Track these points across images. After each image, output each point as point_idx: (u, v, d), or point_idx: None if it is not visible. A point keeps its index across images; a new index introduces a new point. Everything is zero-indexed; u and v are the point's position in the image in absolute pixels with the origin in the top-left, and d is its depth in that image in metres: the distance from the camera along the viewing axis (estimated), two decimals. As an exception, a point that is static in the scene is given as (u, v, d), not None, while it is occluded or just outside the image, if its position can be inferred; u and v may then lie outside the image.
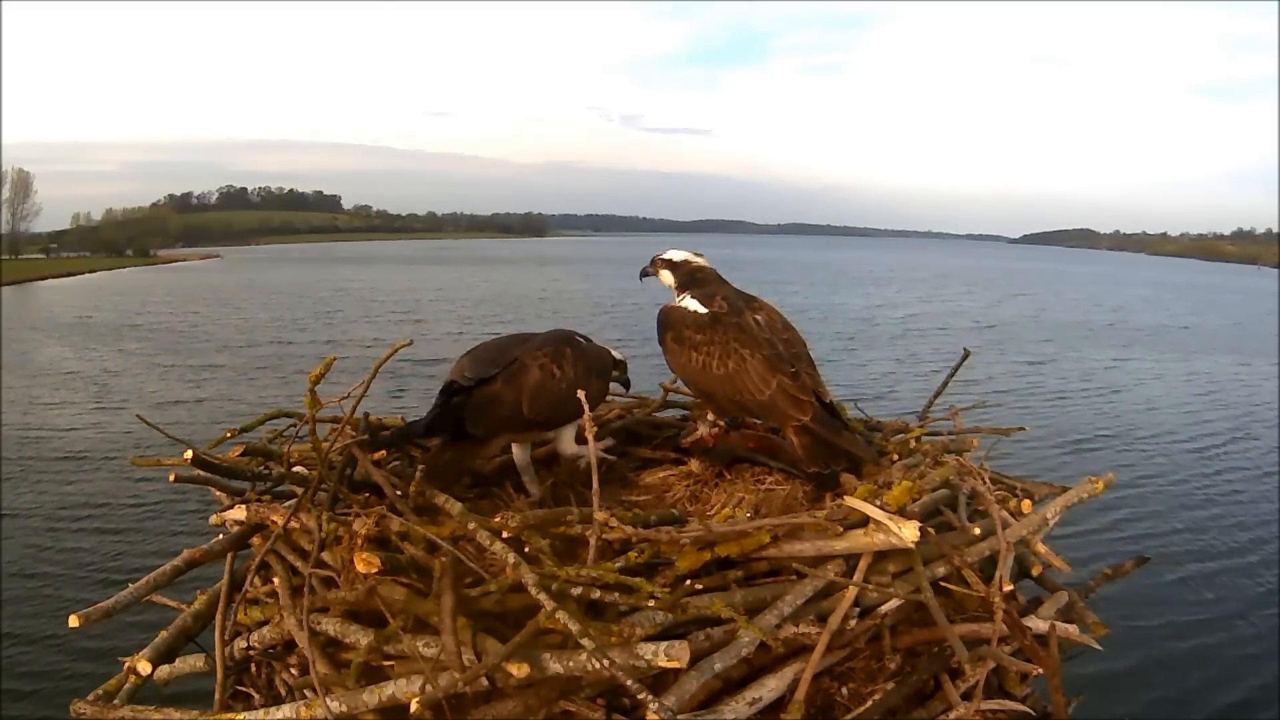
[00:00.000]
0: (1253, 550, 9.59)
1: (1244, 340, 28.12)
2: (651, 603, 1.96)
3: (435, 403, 2.67)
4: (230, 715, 2.16)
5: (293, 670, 2.40)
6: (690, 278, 3.09)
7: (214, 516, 2.57)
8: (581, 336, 2.94)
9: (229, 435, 2.71)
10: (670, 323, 2.99)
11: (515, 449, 2.85)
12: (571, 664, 1.93)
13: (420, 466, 2.37)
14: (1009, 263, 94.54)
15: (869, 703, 2.24)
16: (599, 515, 2.14)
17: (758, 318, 2.90)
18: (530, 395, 2.63)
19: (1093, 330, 29.90)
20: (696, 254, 3.18)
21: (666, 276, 3.17)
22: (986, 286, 50.41)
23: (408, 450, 2.93)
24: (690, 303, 2.99)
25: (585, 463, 2.69)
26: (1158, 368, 22.15)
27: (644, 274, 3.26)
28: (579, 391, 2.38)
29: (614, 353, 3.04)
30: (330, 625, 2.19)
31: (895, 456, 2.93)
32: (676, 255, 3.18)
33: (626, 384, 3.18)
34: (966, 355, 3.67)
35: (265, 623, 2.44)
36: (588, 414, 2.32)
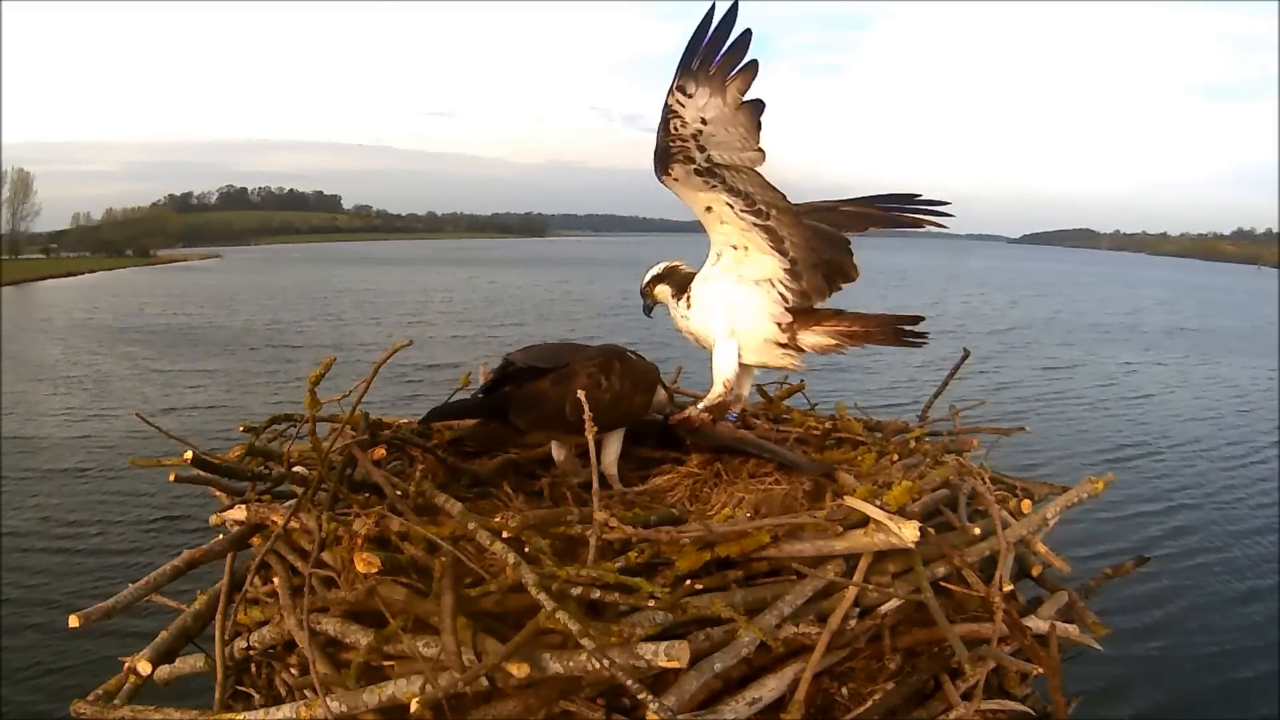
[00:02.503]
0: (1258, 550, 9.62)
1: (1263, 341, 27.80)
2: (651, 603, 1.96)
3: (490, 382, 2.79)
4: (230, 715, 2.16)
5: (293, 670, 2.40)
6: (684, 278, 3.15)
7: (214, 516, 2.57)
8: (632, 352, 3.00)
9: (249, 443, 2.69)
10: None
11: (555, 449, 2.93)
12: (571, 664, 1.93)
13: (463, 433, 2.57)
14: (1016, 263, 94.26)
15: (869, 703, 2.24)
16: (599, 515, 2.14)
17: None
18: (574, 399, 2.67)
19: (1110, 332, 29.69)
20: (676, 260, 3.24)
21: (663, 290, 3.21)
22: (997, 288, 50.14)
23: (407, 450, 2.94)
24: None
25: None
26: (1178, 370, 21.93)
27: (648, 309, 3.30)
28: (581, 394, 2.40)
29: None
30: (330, 625, 2.19)
31: (895, 456, 2.93)
32: (658, 269, 3.24)
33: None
34: (966, 355, 3.68)
35: (265, 623, 2.44)
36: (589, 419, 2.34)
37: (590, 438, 2.33)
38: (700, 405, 3.06)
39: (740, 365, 3.12)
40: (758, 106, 2.56)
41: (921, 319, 3.00)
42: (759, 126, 2.61)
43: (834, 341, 3.04)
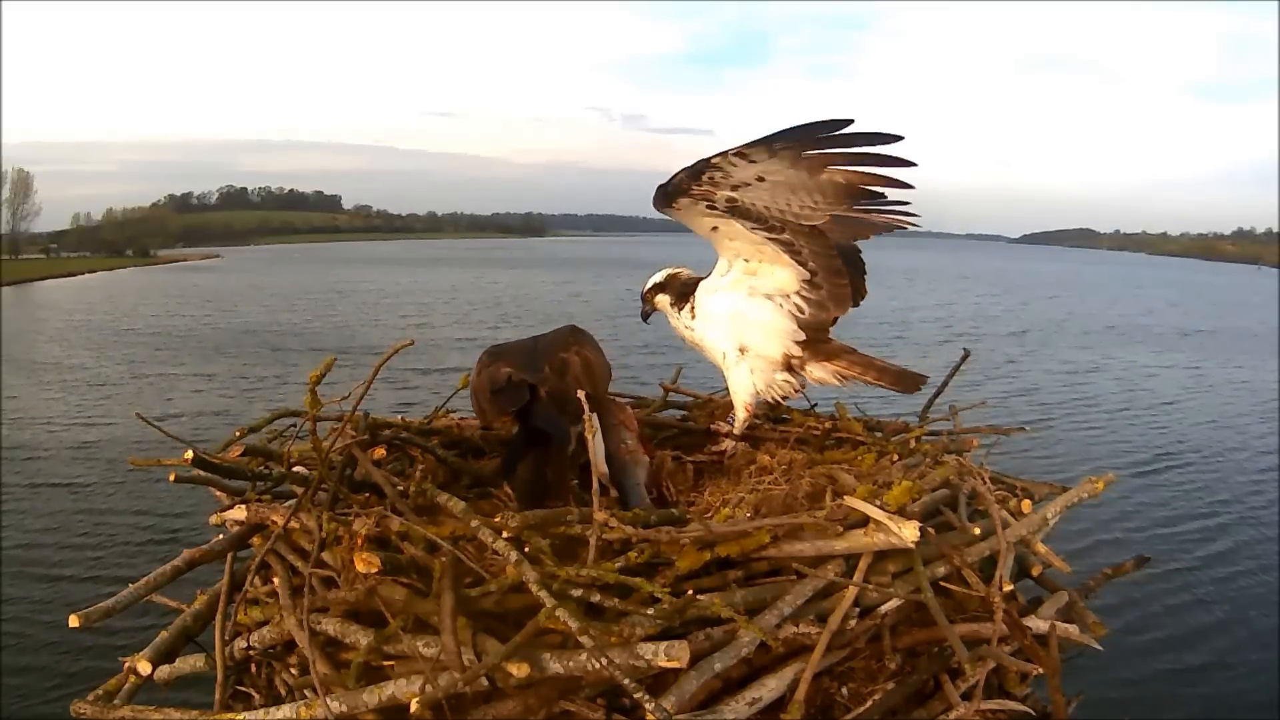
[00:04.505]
0: (1258, 549, 9.63)
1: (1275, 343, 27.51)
2: (652, 611, 1.96)
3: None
4: (230, 715, 2.16)
5: (293, 670, 2.40)
6: (685, 284, 3.15)
7: (214, 516, 2.56)
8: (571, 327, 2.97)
9: (239, 434, 2.70)
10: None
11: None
12: (571, 664, 1.93)
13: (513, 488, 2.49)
14: (1021, 263, 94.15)
15: (869, 703, 2.23)
16: (599, 515, 2.14)
17: None
18: (588, 381, 2.68)
19: (1125, 334, 29.52)
20: (677, 267, 3.23)
21: (663, 300, 3.20)
22: (1006, 288, 50.00)
23: (407, 450, 2.94)
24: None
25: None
26: (1196, 373, 21.79)
27: (646, 315, 3.28)
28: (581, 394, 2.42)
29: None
30: (330, 625, 2.19)
31: (895, 456, 2.93)
32: (659, 276, 3.21)
33: None
34: (966, 355, 3.66)
35: (265, 623, 2.43)
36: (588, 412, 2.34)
37: (590, 436, 2.35)
38: (736, 431, 3.09)
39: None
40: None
41: (926, 379, 3.04)
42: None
43: (836, 381, 3.04)
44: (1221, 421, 16.11)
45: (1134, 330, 30.71)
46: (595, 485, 2.21)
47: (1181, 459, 13.19)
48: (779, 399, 3.12)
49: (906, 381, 3.00)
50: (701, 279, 3.12)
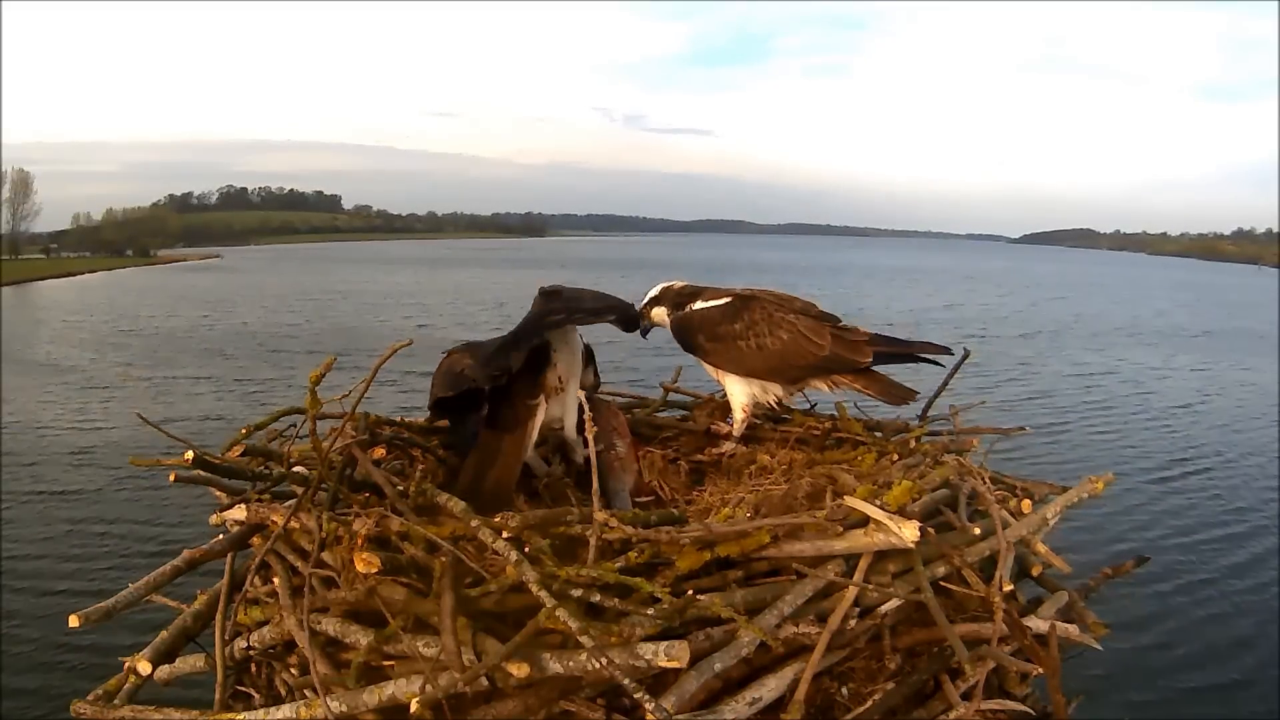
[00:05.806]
0: (1258, 549, 9.63)
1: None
2: (652, 611, 1.96)
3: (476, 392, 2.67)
4: (230, 715, 2.16)
5: (293, 670, 2.40)
6: (680, 296, 3.19)
7: (214, 516, 2.56)
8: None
9: (245, 432, 2.70)
10: (696, 325, 3.08)
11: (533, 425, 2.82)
12: (571, 664, 1.93)
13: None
14: (1024, 264, 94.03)
15: (869, 703, 2.23)
16: (599, 515, 2.14)
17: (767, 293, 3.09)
18: (568, 302, 2.73)
19: (1136, 335, 29.41)
20: (670, 281, 3.29)
21: (659, 313, 3.25)
22: (1012, 289, 49.90)
23: (407, 450, 2.94)
24: (701, 305, 3.08)
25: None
26: (1212, 375, 21.74)
27: (645, 331, 3.32)
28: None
29: None
30: (330, 625, 2.19)
31: (895, 456, 2.93)
32: (654, 291, 3.28)
33: None
34: (966, 355, 3.66)
35: (265, 623, 2.43)
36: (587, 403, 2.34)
37: (591, 438, 2.35)
38: (735, 433, 3.14)
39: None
40: None
41: (915, 393, 3.13)
42: None
43: (827, 388, 3.11)
44: (1233, 425, 16.06)
45: (1143, 331, 30.65)
46: (595, 485, 2.21)
47: (1194, 463, 13.15)
48: (775, 402, 3.14)
49: (894, 394, 3.06)
50: (696, 288, 3.19)
